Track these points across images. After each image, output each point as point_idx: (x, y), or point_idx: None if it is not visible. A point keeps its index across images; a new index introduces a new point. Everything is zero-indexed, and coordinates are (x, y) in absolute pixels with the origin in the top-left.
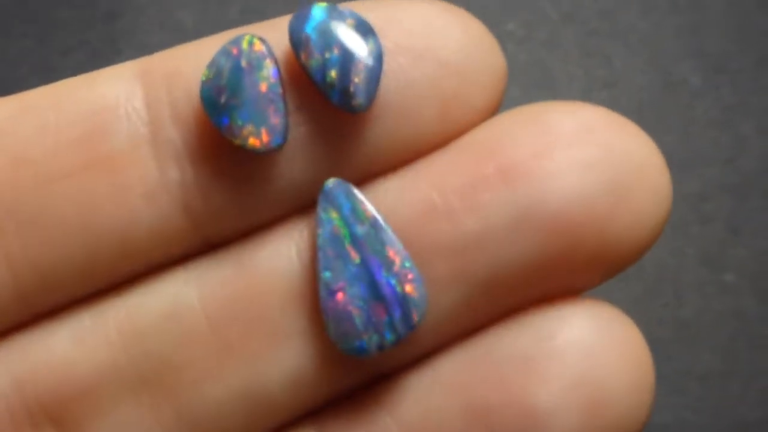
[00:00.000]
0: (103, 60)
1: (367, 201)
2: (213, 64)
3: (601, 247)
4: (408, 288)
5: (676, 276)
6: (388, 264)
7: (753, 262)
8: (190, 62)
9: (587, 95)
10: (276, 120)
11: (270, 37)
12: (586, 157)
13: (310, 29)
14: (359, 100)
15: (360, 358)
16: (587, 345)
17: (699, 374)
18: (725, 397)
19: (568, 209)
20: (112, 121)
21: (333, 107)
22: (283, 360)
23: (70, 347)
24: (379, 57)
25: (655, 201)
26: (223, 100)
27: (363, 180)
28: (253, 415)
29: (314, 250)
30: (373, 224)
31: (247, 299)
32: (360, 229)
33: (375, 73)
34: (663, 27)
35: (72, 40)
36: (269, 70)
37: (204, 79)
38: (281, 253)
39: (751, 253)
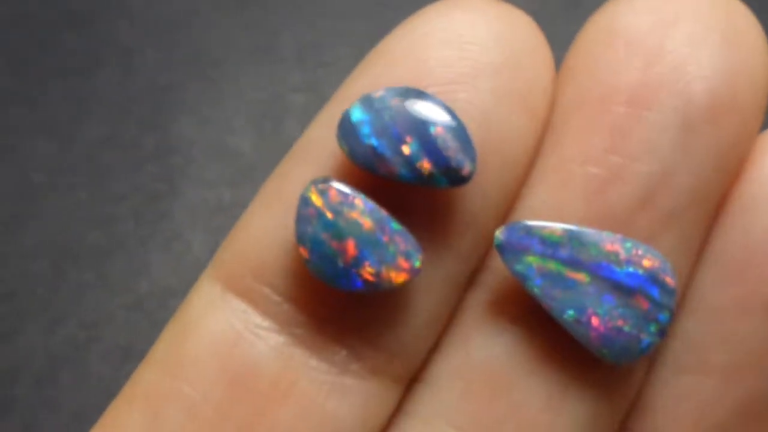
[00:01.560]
0: (160, 202)
1: (546, 222)
2: (302, 239)
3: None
4: (646, 263)
5: None
6: (614, 257)
7: None
8: (260, 243)
9: None
10: (406, 244)
11: (313, 164)
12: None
13: (366, 137)
14: (467, 167)
15: (649, 353)
16: None
17: None
18: None
19: (715, 94)
20: (248, 354)
21: (441, 191)
22: (571, 426)
23: None
24: (450, 111)
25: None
26: (340, 264)
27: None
28: None
29: (511, 312)
30: (569, 236)
31: (496, 399)
32: (563, 251)
33: (462, 132)
34: None
35: (124, 185)
36: (360, 205)
37: (306, 258)
38: (491, 342)
39: None
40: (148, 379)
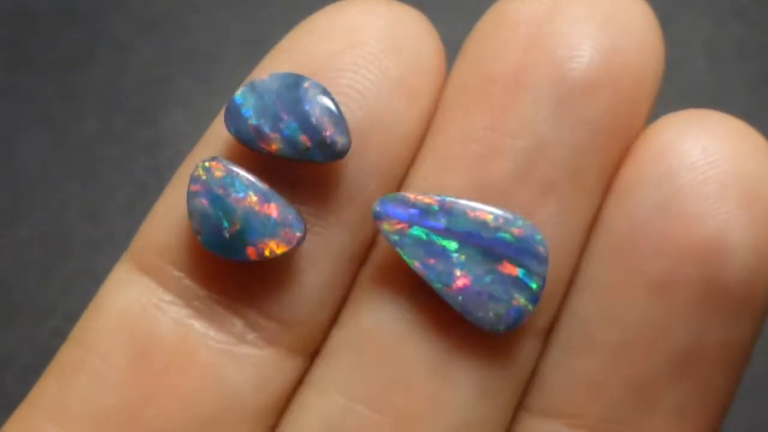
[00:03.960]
0: (151, 195)
1: (418, 193)
2: (193, 213)
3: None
4: (516, 231)
5: None
6: (483, 225)
7: None
8: (167, 226)
9: None
10: (287, 215)
11: (211, 149)
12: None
13: (250, 117)
14: (342, 142)
15: (521, 323)
16: (725, 154)
17: None
18: None
19: (588, 73)
20: (151, 327)
21: (318, 166)
22: (457, 396)
23: None
24: (326, 93)
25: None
26: (227, 235)
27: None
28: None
29: (397, 282)
30: (442, 206)
31: (384, 367)
32: (435, 220)
33: (335, 110)
34: (733, 78)
35: (115, 178)
36: (243, 180)
37: (197, 231)
38: (379, 312)
39: None
40: (64, 352)
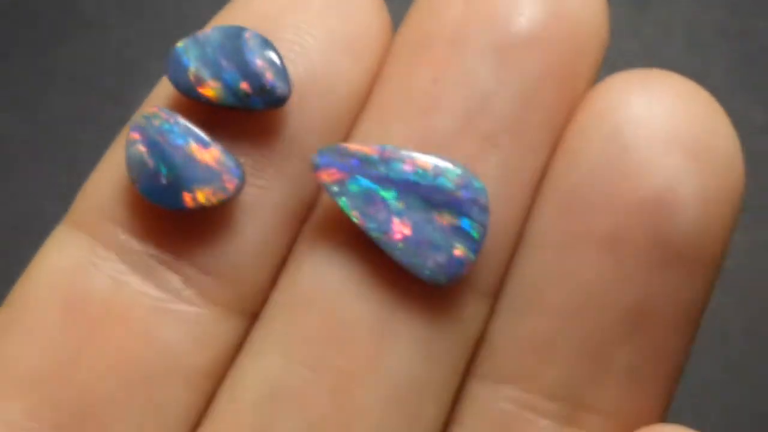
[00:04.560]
0: None
1: (359, 144)
2: (131, 161)
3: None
4: (457, 180)
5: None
6: (422, 173)
7: None
8: (107, 184)
9: None
10: (225, 163)
11: (156, 99)
12: None
13: (188, 64)
14: (282, 88)
15: (463, 273)
16: (671, 110)
17: None
18: None
19: (529, 29)
20: (85, 283)
21: (260, 113)
22: (399, 355)
23: None
24: (267, 43)
25: None
26: (163, 182)
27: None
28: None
29: (339, 237)
30: (381, 155)
31: (324, 325)
32: (374, 169)
33: (275, 58)
34: (712, 60)
35: (86, 158)
36: (181, 127)
37: (134, 179)
38: (319, 269)
39: None
40: (2, 311)
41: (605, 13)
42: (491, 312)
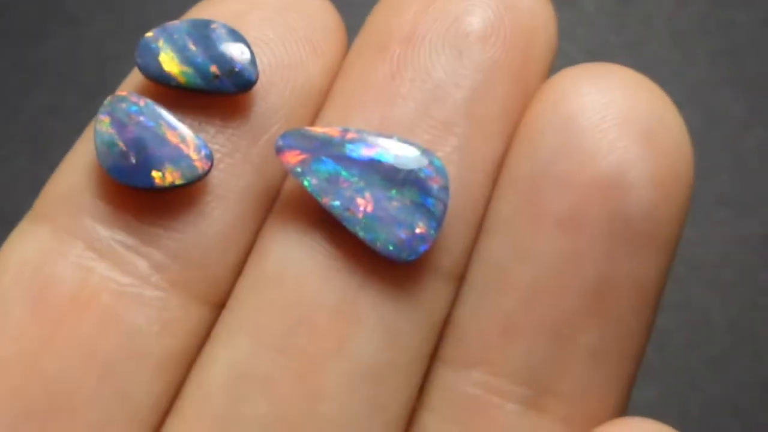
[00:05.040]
0: None
1: (323, 127)
2: (99, 142)
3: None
4: (418, 159)
5: (750, 332)
6: (384, 153)
7: None
8: (73, 173)
9: None
10: (190, 147)
11: (126, 87)
12: None
13: (162, 51)
14: (250, 71)
15: (426, 250)
16: (622, 98)
17: None
18: None
19: (481, 24)
20: (50, 272)
21: (227, 97)
22: (364, 337)
23: None
24: (234, 33)
25: None
26: (133, 160)
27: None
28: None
29: (304, 220)
30: (343, 136)
31: (290, 309)
32: (337, 150)
33: (243, 42)
34: (695, 54)
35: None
36: (149, 110)
37: (101, 160)
38: (284, 253)
39: None
40: None
41: (551, 11)
42: (456, 295)
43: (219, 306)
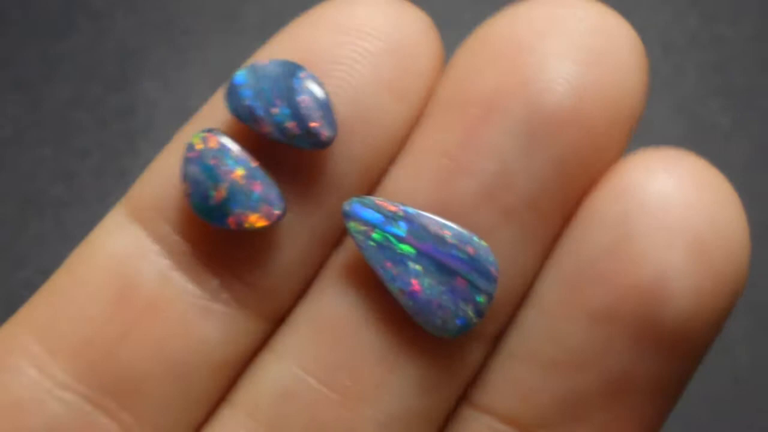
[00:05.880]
0: (121, 160)
1: (387, 201)
2: (185, 178)
3: (614, 109)
4: (470, 250)
5: (726, 331)
6: (441, 240)
7: None
8: (163, 183)
9: None
10: (270, 194)
11: (210, 120)
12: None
13: (246, 99)
14: (327, 134)
15: (466, 332)
16: (687, 201)
17: None
18: None
19: (561, 107)
20: (136, 272)
21: (305, 152)
22: (401, 386)
23: None
24: (319, 84)
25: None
26: (212, 203)
27: (370, 189)
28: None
29: (361, 275)
30: (406, 216)
31: (338, 348)
32: (398, 229)
33: (325, 102)
34: (685, 66)
35: (87, 142)
36: (234, 155)
37: (187, 194)
38: (340, 298)
39: None
40: (55, 279)
41: (643, 95)
42: (492, 350)
43: (276, 322)
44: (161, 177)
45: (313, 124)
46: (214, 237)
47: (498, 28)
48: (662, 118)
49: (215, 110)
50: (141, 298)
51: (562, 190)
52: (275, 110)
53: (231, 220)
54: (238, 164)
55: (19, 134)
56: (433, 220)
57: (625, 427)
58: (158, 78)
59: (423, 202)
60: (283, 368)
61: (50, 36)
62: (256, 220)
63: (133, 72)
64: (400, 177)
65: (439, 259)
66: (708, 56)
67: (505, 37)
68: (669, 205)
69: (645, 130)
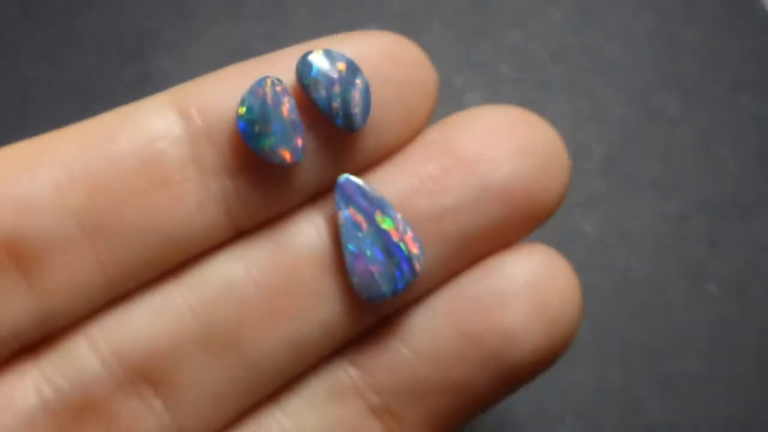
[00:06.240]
0: None
1: (370, 188)
2: (245, 102)
3: (534, 208)
4: (412, 247)
5: (663, 289)
6: (395, 230)
7: (732, 273)
8: (215, 95)
9: (576, 130)
10: (298, 141)
11: (276, 72)
12: (519, 146)
13: (314, 73)
14: (358, 122)
15: (379, 302)
16: (540, 279)
17: (686, 377)
18: (710, 398)
19: (512, 184)
20: (163, 149)
21: (336, 127)
22: (321, 312)
23: (151, 321)
24: (367, 89)
25: (563, 173)
26: (257, 129)
27: (359, 174)
28: (299, 356)
29: (333, 228)
30: (378, 202)
31: (286, 269)
32: (370, 209)
33: (367, 101)
34: (642, 61)
35: (107, 107)
36: (288, 104)
37: (240, 114)
38: (307, 233)
39: (729, 265)
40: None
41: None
42: (381, 326)
43: (246, 234)
44: (210, 85)
45: (352, 112)
46: (240, 158)
47: (442, 128)
48: (620, 105)
49: (278, 62)
50: (157, 173)
51: (485, 244)
52: (332, 90)
53: (263, 148)
54: (288, 109)
55: (46, 98)
56: (396, 215)
57: (444, 414)
58: (172, 51)
59: (391, 201)
60: (231, 267)
61: (71, 13)
62: (280, 156)
63: (150, 46)
64: (384, 177)
65: (387, 243)
66: (663, 53)
67: (448, 137)
68: (524, 283)
69: (605, 116)
